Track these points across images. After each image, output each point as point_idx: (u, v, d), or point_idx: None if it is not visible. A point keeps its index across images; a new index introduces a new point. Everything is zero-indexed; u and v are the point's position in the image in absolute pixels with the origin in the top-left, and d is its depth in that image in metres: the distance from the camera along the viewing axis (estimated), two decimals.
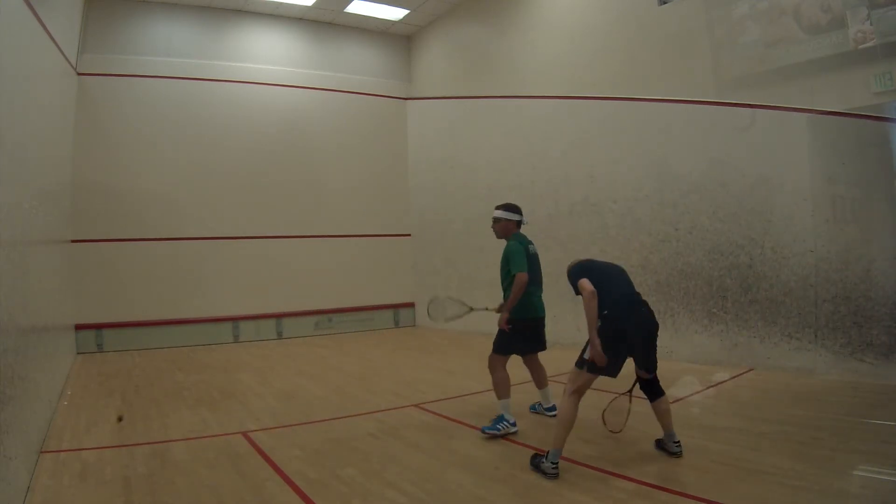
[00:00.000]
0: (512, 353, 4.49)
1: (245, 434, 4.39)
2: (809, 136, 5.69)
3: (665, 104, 6.97)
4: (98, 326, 8.61)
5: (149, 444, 4.19)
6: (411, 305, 11.16)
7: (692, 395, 5.11)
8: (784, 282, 5.84)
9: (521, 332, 4.41)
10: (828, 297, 5.51)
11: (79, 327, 8.41)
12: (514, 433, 4.17)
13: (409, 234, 11.22)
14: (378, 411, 4.99)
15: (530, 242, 4.61)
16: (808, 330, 5.62)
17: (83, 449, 4.08)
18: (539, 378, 4.77)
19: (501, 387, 4.35)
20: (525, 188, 8.96)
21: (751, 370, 5.89)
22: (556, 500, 3.04)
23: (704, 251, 6.39)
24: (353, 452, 3.90)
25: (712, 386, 5.40)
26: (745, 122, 6.07)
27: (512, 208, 4.64)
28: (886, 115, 5.34)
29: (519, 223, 4.66)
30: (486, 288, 9.68)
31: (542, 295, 4.69)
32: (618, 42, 7.92)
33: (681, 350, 6.50)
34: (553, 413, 4.49)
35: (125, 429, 4.60)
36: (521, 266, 4.36)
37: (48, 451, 4.02)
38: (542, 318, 4.60)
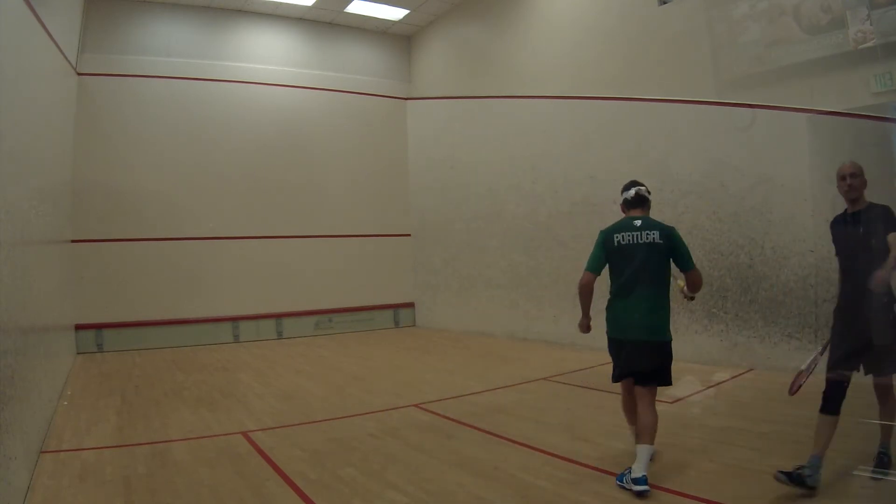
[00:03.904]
0: (618, 379, 3.54)
1: (245, 434, 4.39)
2: (809, 136, 5.69)
3: (665, 104, 6.96)
4: (98, 326, 8.61)
5: (149, 444, 4.19)
6: (411, 305, 11.15)
7: (692, 395, 5.11)
8: (784, 282, 5.84)
9: (611, 351, 3.53)
10: (828, 297, 5.50)
11: (79, 327, 8.41)
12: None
13: (409, 234, 11.22)
14: (378, 411, 4.99)
15: (632, 228, 3.38)
16: (808, 330, 5.62)
17: (83, 449, 4.08)
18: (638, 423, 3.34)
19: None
20: (525, 188, 8.97)
21: (751, 370, 5.89)
22: (556, 500, 3.04)
23: (704, 251, 6.39)
24: (353, 452, 3.90)
25: (712, 386, 5.40)
26: (745, 122, 6.07)
27: (625, 186, 3.59)
28: (886, 115, 5.34)
29: (625, 202, 3.53)
30: (486, 289, 9.71)
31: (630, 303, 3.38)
32: (618, 42, 7.92)
33: (681, 350, 6.44)
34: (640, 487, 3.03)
35: (125, 429, 4.60)
36: (588, 263, 3.49)
37: (48, 451, 4.02)
38: (634, 342, 3.35)
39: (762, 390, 5.16)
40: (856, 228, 3.21)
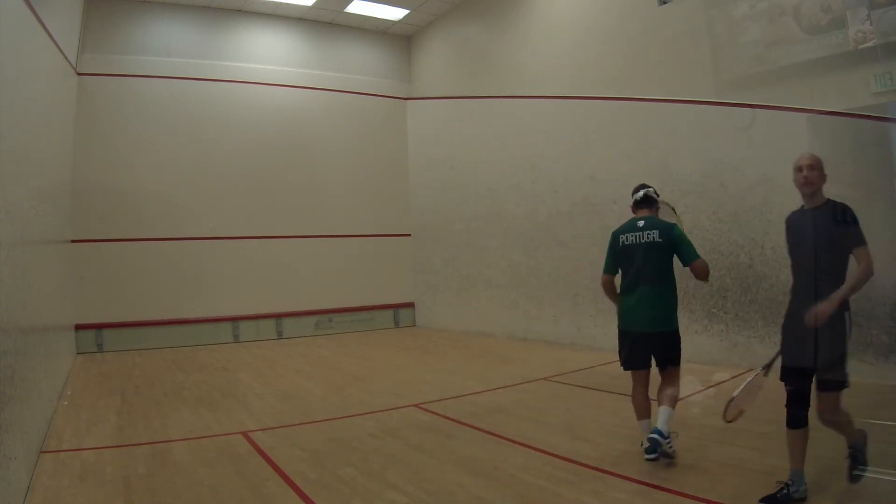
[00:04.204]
0: (626, 368, 3.72)
1: (245, 434, 4.39)
2: (809, 136, 5.68)
3: (665, 104, 6.96)
4: (98, 326, 8.61)
5: (149, 444, 4.19)
6: (411, 305, 11.16)
7: (692, 395, 5.10)
8: (784, 282, 5.83)
9: (619, 342, 3.74)
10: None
11: (79, 327, 8.41)
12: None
13: (409, 234, 11.23)
14: (378, 411, 4.99)
15: (636, 229, 3.62)
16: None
17: (83, 449, 4.08)
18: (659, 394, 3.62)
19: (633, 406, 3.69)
20: (525, 188, 8.97)
21: (751, 370, 5.87)
22: (555, 500, 3.04)
23: (704, 251, 6.35)
24: (353, 452, 3.90)
25: (712, 386, 5.40)
26: (745, 122, 6.07)
27: (635, 188, 3.83)
28: (886, 115, 5.34)
29: (634, 203, 3.78)
30: (486, 289, 9.71)
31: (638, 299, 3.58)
32: (618, 42, 7.92)
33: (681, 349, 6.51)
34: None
35: (125, 429, 4.60)
36: (604, 265, 3.78)
37: (48, 451, 4.02)
38: (639, 334, 3.57)
39: (762, 390, 5.15)
40: (812, 227, 2.97)
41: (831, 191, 5.44)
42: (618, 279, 3.78)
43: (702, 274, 3.55)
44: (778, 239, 5.88)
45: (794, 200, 5.72)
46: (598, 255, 7.61)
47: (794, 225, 3.10)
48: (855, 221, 2.86)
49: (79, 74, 8.68)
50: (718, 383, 5.48)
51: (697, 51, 6.92)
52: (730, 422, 3.12)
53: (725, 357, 6.20)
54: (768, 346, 5.90)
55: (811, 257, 2.92)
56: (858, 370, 5.22)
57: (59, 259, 6.63)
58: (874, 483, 3.13)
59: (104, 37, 9.08)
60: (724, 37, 6.69)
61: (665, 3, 7.28)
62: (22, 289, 3.81)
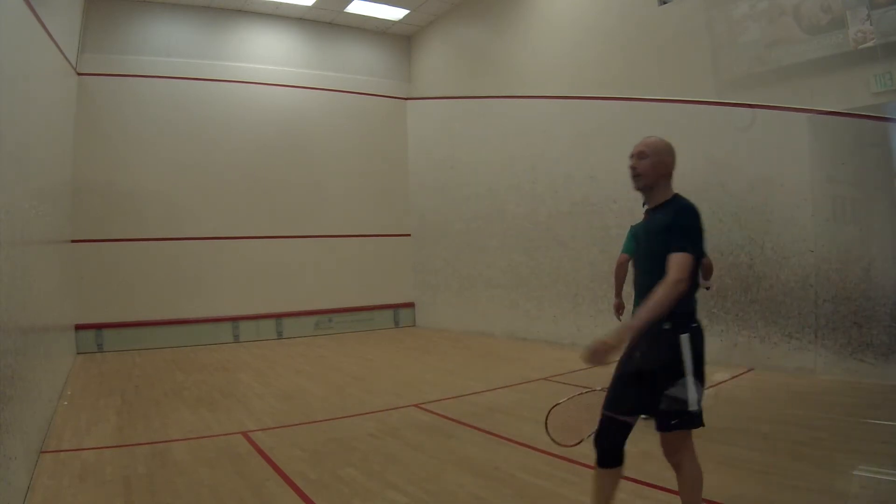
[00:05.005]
0: None
1: (245, 434, 4.39)
2: (809, 136, 5.69)
3: (665, 104, 6.96)
4: (98, 326, 8.60)
5: (149, 444, 4.19)
6: (411, 305, 11.15)
7: None
8: (784, 282, 5.84)
9: None
10: (828, 297, 5.51)
11: (79, 327, 8.41)
12: None
13: (409, 234, 11.23)
14: (378, 411, 4.99)
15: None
16: (808, 330, 5.62)
17: (83, 449, 4.08)
18: None
19: None
20: (525, 188, 8.96)
21: (751, 370, 5.89)
22: (555, 500, 3.04)
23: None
24: (353, 452, 3.90)
25: (712, 386, 5.39)
26: (745, 122, 6.07)
27: None
28: (886, 115, 5.34)
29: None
30: (486, 289, 9.71)
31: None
32: (618, 42, 7.92)
33: None
34: None
35: (125, 429, 4.60)
36: (623, 247, 4.30)
37: (48, 451, 4.02)
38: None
39: (762, 390, 5.16)
40: (646, 231, 2.37)
41: (831, 191, 5.41)
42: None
43: (707, 270, 3.95)
44: (778, 239, 5.90)
45: (794, 201, 5.75)
46: (598, 255, 7.67)
47: (636, 229, 2.54)
48: (682, 223, 2.18)
49: (79, 74, 8.67)
50: (718, 383, 5.48)
51: (697, 51, 6.92)
52: (569, 445, 2.54)
53: (726, 357, 6.19)
54: (768, 345, 5.91)
55: (642, 269, 2.37)
56: (858, 370, 5.26)
57: (59, 259, 6.62)
58: (875, 483, 3.13)
59: (104, 37, 9.08)
60: (724, 37, 6.69)
61: (665, 3, 7.28)
62: (22, 289, 3.81)
